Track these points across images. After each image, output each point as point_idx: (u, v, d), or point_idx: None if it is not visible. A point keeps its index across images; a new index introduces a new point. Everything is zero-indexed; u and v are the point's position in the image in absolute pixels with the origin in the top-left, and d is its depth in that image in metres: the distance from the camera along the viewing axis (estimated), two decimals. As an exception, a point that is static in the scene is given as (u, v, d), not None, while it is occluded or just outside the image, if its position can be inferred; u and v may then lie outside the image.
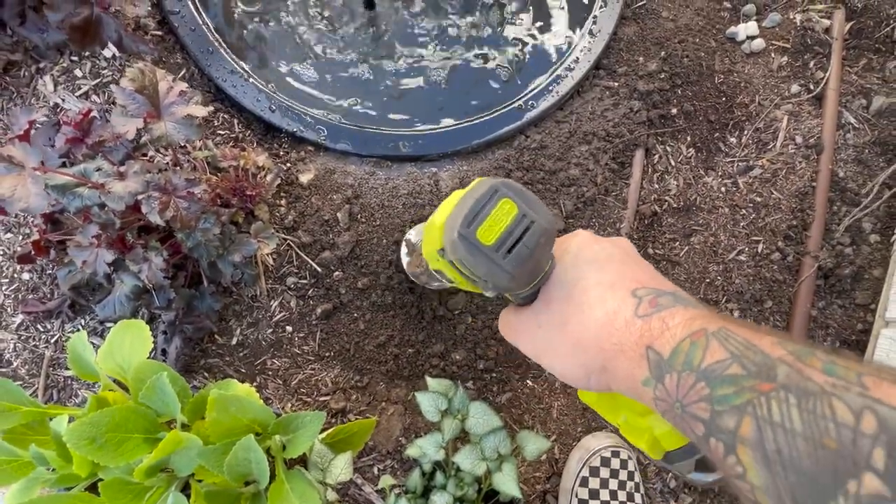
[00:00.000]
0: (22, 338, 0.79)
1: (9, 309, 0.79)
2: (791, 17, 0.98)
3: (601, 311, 0.35)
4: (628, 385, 0.33)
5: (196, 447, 0.53)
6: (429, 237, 0.41)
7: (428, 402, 0.62)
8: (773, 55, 0.97)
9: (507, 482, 0.57)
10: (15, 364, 0.78)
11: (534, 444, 0.61)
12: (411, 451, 0.63)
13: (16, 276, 0.80)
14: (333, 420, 0.81)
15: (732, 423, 0.26)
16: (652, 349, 0.31)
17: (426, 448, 0.60)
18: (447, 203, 0.40)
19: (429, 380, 0.66)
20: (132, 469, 0.54)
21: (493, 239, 0.34)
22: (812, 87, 0.96)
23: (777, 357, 0.26)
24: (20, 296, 0.79)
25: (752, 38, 0.97)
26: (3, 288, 0.79)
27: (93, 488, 0.60)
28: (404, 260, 0.74)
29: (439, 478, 0.65)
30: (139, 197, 0.61)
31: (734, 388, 0.27)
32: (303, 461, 0.64)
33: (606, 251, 0.38)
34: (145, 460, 0.50)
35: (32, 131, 0.58)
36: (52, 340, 0.79)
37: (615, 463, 0.81)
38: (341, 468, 0.59)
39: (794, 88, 0.96)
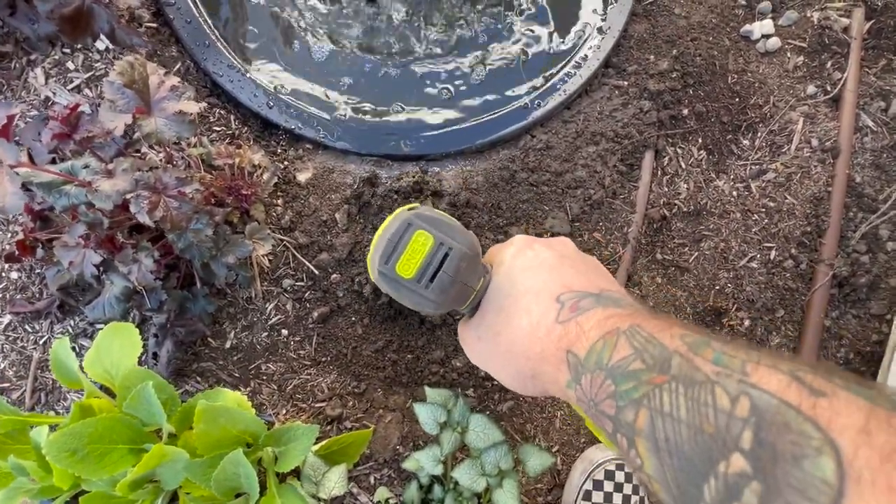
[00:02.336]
0: (9, 339, 0.77)
1: (-4, 309, 0.77)
2: (808, 15, 0.95)
3: (526, 320, 0.36)
4: (556, 389, 0.34)
5: (182, 460, 0.50)
6: (369, 269, 0.42)
7: (426, 414, 0.59)
8: (788, 55, 0.94)
9: (507, 500, 0.54)
10: (2, 366, 0.76)
11: (536, 460, 0.58)
12: (408, 465, 0.60)
13: (3, 274, 0.77)
14: (329, 427, 0.79)
15: (631, 416, 0.27)
16: (571, 352, 0.33)
17: (424, 462, 0.58)
18: (376, 235, 0.41)
19: (427, 390, 0.63)
20: (116, 481, 0.52)
21: (412, 272, 0.35)
22: (829, 88, 0.92)
23: (673, 349, 0.27)
24: (8, 295, 0.77)
25: (767, 36, 0.94)
26: (-9, 287, 0.77)
27: (77, 497, 0.58)
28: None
29: (437, 491, 0.63)
30: (128, 196, 0.58)
31: (634, 382, 0.28)
32: (295, 473, 0.61)
33: (540, 257, 0.39)
34: (129, 474, 0.48)
35: (18, 125, 0.56)
36: (41, 342, 0.76)
37: (619, 476, 0.78)
38: (335, 482, 0.56)
39: (811, 89, 0.92)
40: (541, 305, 0.36)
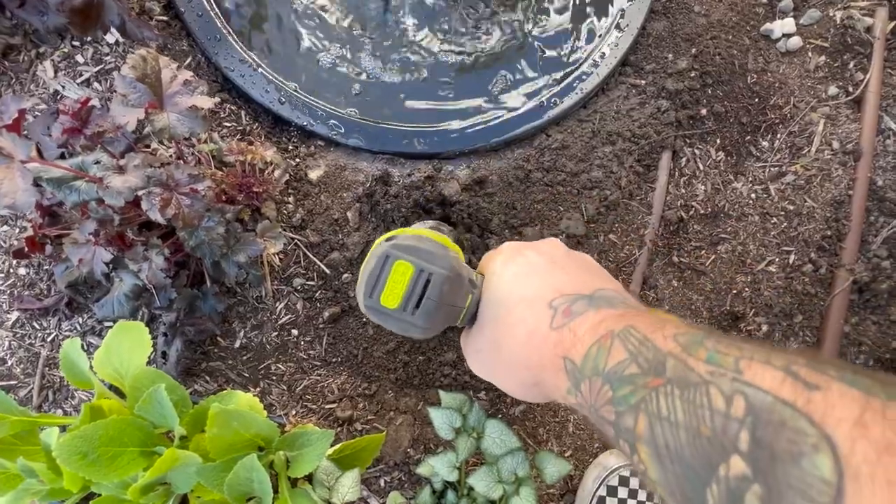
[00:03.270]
0: (17, 336, 0.76)
1: (4, 305, 0.76)
2: (831, 14, 0.93)
3: (522, 329, 0.36)
4: (558, 395, 0.34)
5: (195, 464, 0.49)
6: (358, 301, 0.43)
7: (441, 419, 0.58)
8: (810, 54, 0.92)
9: (525, 508, 0.53)
10: (10, 363, 0.75)
11: (553, 467, 0.57)
12: (422, 470, 0.59)
13: (11, 270, 0.76)
14: (339, 429, 0.77)
15: (631, 421, 0.27)
16: (568, 359, 0.32)
17: (438, 468, 0.57)
18: (361, 269, 0.41)
19: (442, 394, 0.62)
20: (126, 484, 0.51)
21: (396, 302, 0.36)
22: (851, 89, 0.90)
23: (667, 351, 0.27)
24: (16, 292, 0.76)
25: (788, 35, 0.92)
26: (-1, 283, 0.76)
27: (87, 499, 0.57)
28: None
29: (450, 496, 0.62)
30: (139, 193, 0.57)
31: (631, 387, 0.27)
32: (307, 477, 0.60)
33: (529, 263, 0.39)
34: (140, 479, 0.47)
35: (27, 119, 0.55)
36: (49, 339, 0.75)
37: (634, 482, 0.77)
38: (349, 487, 0.55)
39: (832, 90, 0.90)
40: (534, 313, 0.36)
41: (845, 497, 0.18)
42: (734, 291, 0.86)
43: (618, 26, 0.89)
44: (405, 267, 0.36)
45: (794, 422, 0.20)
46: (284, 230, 0.79)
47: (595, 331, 0.31)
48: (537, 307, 0.36)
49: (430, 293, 0.36)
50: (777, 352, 0.24)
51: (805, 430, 0.20)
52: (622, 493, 0.76)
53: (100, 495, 0.52)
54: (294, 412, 0.78)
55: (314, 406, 0.78)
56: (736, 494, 0.21)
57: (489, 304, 0.39)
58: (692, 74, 0.88)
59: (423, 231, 0.41)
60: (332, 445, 0.59)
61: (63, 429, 0.52)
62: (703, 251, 0.87)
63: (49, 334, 0.76)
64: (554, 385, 0.34)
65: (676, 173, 0.88)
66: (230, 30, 0.84)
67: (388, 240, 0.37)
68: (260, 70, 0.83)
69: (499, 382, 0.40)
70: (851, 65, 0.91)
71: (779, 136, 0.89)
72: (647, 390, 0.26)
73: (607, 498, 0.75)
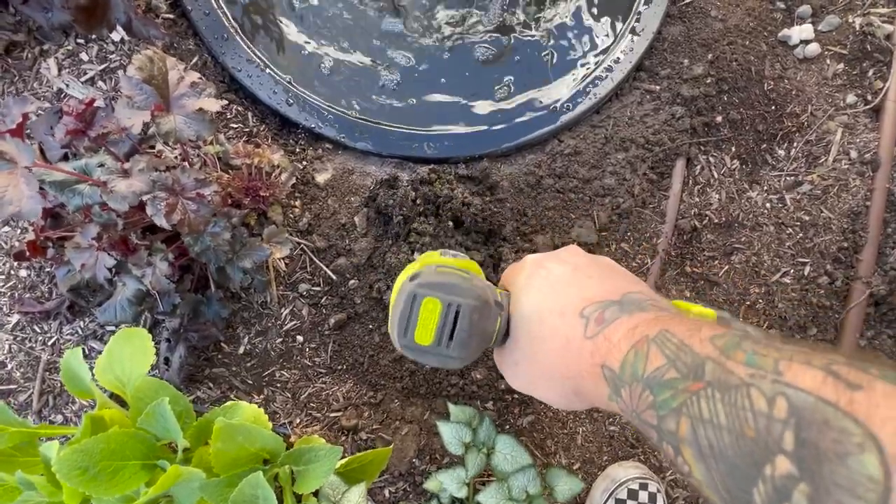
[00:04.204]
0: (17, 339, 0.74)
1: (4, 307, 0.74)
2: (850, 20, 0.91)
3: (557, 342, 0.36)
4: (600, 402, 0.34)
5: (198, 480, 0.48)
6: (393, 341, 0.44)
7: (450, 433, 0.57)
8: (828, 61, 0.90)
9: (536, 527, 0.52)
10: (9, 367, 0.74)
11: (565, 485, 0.56)
12: (430, 486, 0.57)
13: (13, 272, 0.75)
14: (344, 438, 0.76)
15: (673, 425, 0.27)
16: (606, 367, 0.32)
17: (447, 483, 0.55)
18: (389, 306, 0.42)
19: (451, 407, 0.61)
20: (128, 498, 0.49)
21: (430, 338, 0.37)
22: (870, 97, 0.88)
23: (705, 355, 0.27)
24: (17, 294, 0.74)
25: (806, 42, 0.90)
26: (0, 285, 0.75)
27: (86, 511, 0.55)
28: None
29: (458, 512, 0.60)
30: (144, 197, 0.56)
31: (671, 391, 0.28)
32: (313, 492, 0.59)
33: (555, 273, 0.39)
34: (142, 495, 0.45)
35: (29, 118, 0.53)
36: (50, 343, 0.74)
37: (643, 496, 0.75)
38: (355, 502, 0.54)
39: (850, 98, 0.89)
40: (567, 323, 0.36)
41: (893, 493, 0.19)
42: (748, 303, 0.84)
43: (633, 30, 0.87)
44: (433, 304, 0.37)
45: (838, 421, 0.21)
46: (291, 235, 0.77)
47: (630, 337, 0.32)
48: (569, 317, 0.36)
49: (461, 324, 0.37)
50: (816, 351, 0.24)
51: (850, 429, 0.20)
52: (632, 507, 0.74)
53: (100, 508, 0.51)
54: (298, 420, 0.76)
55: (319, 414, 0.77)
56: (783, 493, 0.21)
57: (521, 320, 0.39)
58: (708, 80, 0.87)
59: (441, 259, 0.42)
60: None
61: (64, 439, 0.50)
62: (717, 261, 0.85)
63: (50, 338, 0.74)
64: (595, 393, 0.34)
65: (690, 181, 0.86)
66: (238, 29, 0.82)
67: (411, 279, 0.38)
68: (268, 70, 0.81)
69: (540, 394, 0.40)
70: (870, 73, 0.89)
71: (795, 144, 0.88)
72: (688, 394, 0.27)
73: (616, 512, 0.74)
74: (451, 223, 0.76)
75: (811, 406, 0.22)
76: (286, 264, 0.78)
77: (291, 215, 0.79)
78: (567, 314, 0.36)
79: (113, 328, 0.75)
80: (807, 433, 0.21)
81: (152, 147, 0.75)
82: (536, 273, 0.40)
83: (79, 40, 0.79)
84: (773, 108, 0.88)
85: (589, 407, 0.39)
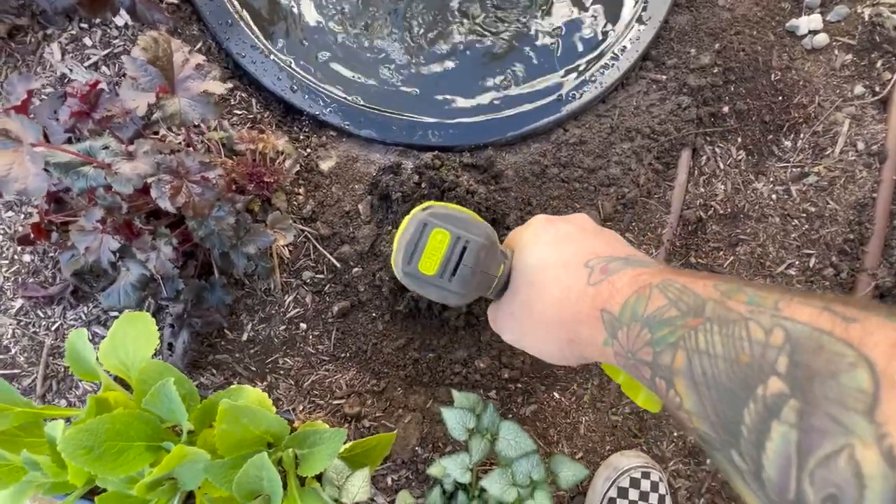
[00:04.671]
0: (21, 323, 0.74)
1: (8, 292, 0.74)
2: (859, 10, 0.90)
3: (557, 288, 0.37)
4: (593, 349, 0.35)
5: (203, 461, 0.48)
6: (394, 269, 0.44)
7: (454, 420, 0.57)
8: (836, 52, 0.89)
9: (539, 512, 0.52)
10: (13, 351, 0.74)
11: (569, 471, 0.56)
12: (434, 471, 0.57)
13: (16, 257, 0.75)
14: (347, 426, 0.76)
15: (669, 358, 0.28)
16: (605, 311, 0.33)
17: (451, 469, 0.55)
18: (395, 237, 0.42)
19: (455, 393, 0.61)
20: (133, 479, 0.49)
21: (434, 268, 0.37)
22: (878, 88, 0.88)
23: (707, 296, 0.28)
24: (20, 279, 0.74)
25: (814, 32, 0.90)
26: (3, 270, 0.75)
27: (91, 493, 0.55)
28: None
29: (461, 498, 0.60)
30: (148, 180, 0.56)
31: (669, 328, 0.28)
32: (316, 476, 0.59)
33: (562, 231, 0.40)
34: (147, 475, 0.45)
35: (33, 102, 0.53)
36: (53, 328, 0.74)
37: (645, 485, 0.75)
38: (359, 486, 0.54)
39: (858, 90, 0.88)
40: (570, 273, 0.37)
41: (882, 402, 0.19)
42: (752, 294, 0.84)
43: (640, 19, 0.86)
44: (443, 234, 0.36)
45: (833, 346, 0.21)
46: (294, 222, 0.77)
47: (633, 283, 0.32)
48: (573, 267, 0.37)
49: (467, 260, 0.37)
50: (815, 295, 0.25)
51: (843, 352, 0.21)
52: (633, 494, 0.74)
53: (105, 490, 0.51)
54: (301, 407, 0.76)
55: (322, 402, 0.77)
56: (773, 410, 0.22)
57: (523, 270, 0.39)
58: (715, 70, 0.86)
59: (450, 205, 0.42)
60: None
61: (68, 420, 0.50)
62: (722, 252, 0.85)
63: (53, 323, 0.74)
64: (590, 338, 0.34)
65: (696, 172, 0.86)
66: (242, 14, 0.81)
67: (424, 209, 0.38)
68: (272, 57, 0.81)
69: (531, 345, 0.41)
70: (879, 64, 0.88)
71: (802, 135, 0.87)
72: (687, 329, 0.27)
73: (618, 499, 0.74)
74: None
75: (807, 334, 0.22)
76: (290, 251, 0.78)
77: (295, 202, 0.78)
78: (570, 264, 0.37)
79: (116, 313, 0.75)
80: (800, 356, 0.22)
81: (156, 132, 0.74)
82: (545, 229, 0.41)
83: (82, 25, 0.79)
84: (780, 98, 0.88)
85: (578, 361, 0.39)
